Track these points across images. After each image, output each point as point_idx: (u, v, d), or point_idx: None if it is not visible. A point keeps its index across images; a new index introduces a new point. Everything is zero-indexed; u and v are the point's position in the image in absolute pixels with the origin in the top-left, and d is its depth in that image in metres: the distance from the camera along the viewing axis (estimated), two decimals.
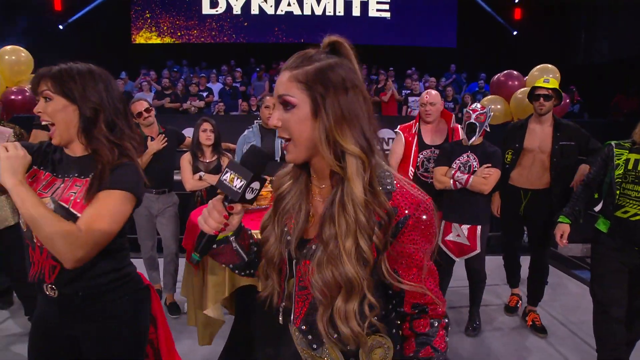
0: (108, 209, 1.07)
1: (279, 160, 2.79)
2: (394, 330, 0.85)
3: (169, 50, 11.25)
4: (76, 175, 1.13)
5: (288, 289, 0.87)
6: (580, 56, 11.64)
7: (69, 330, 1.19)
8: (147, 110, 2.79)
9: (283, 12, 11.28)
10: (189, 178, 2.78)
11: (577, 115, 8.88)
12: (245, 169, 0.80)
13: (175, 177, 3.12)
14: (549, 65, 3.41)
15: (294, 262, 0.84)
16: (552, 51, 10.86)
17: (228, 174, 0.80)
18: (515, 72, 3.63)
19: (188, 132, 3.27)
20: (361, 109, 0.75)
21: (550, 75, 3.31)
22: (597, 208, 2.32)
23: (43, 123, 1.10)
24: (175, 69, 10.09)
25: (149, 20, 11.50)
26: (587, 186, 2.28)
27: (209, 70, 9.91)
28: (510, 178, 2.89)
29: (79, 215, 1.09)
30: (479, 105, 2.63)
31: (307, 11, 11.25)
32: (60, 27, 10.95)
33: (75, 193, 1.11)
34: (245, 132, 2.94)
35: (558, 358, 2.52)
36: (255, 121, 3.06)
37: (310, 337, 0.82)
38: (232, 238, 0.86)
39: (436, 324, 0.84)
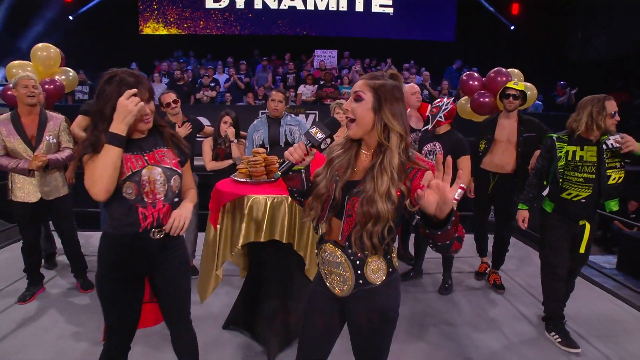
0: None
1: (282, 146, 3.29)
2: (388, 256, 1.32)
3: (176, 42, 11.60)
4: (155, 147, 1.59)
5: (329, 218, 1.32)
6: (576, 52, 11.85)
7: (151, 268, 1.63)
8: (174, 101, 3.27)
9: (286, 7, 11.60)
10: (209, 160, 3.31)
11: (569, 109, 9.26)
12: (326, 127, 1.25)
13: (196, 163, 3.61)
14: (515, 70, 3.94)
15: (346, 198, 1.26)
16: (548, 46, 11.21)
17: (314, 128, 1.25)
18: (503, 69, 4.05)
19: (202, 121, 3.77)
20: (402, 111, 1.27)
21: (517, 79, 3.83)
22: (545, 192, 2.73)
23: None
24: (182, 60, 10.51)
25: (156, 12, 11.82)
26: (537, 175, 2.71)
27: (215, 61, 10.35)
28: (482, 163, 3.39)
29: (178, 170, 1.61)
30: (438, 100, 3.14)
31: (310, 6, 11.56)
32: (70, 17, 11.31)
33: (167, 157, 1.59)
34: (255, 122, 3.41)
35: (513, 311, 3.04)
36: (260, 112, 3.51)
37: (349, 250, 1.28)
38: (303, 170, 1.31)
39: (452, 218, 1.05)
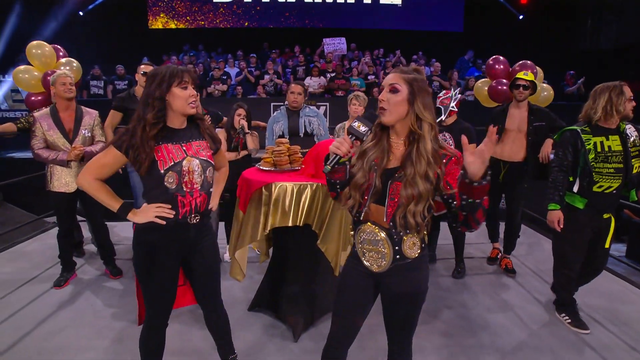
0: None
1: (302, 136, 3.41)
2: (422, 236, 1.45)
3: (185, 36, 11.69)
4: (193, 139, 1.69)
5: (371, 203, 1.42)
6: (586, 41, 11.73)
7: (188, 251, 1.76)
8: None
9: (294, 0, 11.64)
10: (225, 150, 3.44)
11: (578, 99, 9.23)
12: (368, 121, 1.35)
13: None
14: (528, 62, 3.97)
15: (388, 184, 1.37)
16: (558, 35, 11.13)
17: (357, 122, 1.34)
18: (529, 62, 4.03)
19: None
20: (432, 103, 1.38)
21: (529, 70, 3.87)
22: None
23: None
24: (191, 54, 10.62)
25: (165, 6, 11.94)
26: (563, 171, 2.56)
27: (225, 54, 10.44)
28: (494, 152, 3.48)
29: (212, 162, 1.74)
30: (444, 92, 3.22)
31: None
32: (81, 13, 11.44)
33: (202, 150, 1.71)
34: (275, 114, 3.54)
35: (525, 294, 3.16)
36: (272, 104, 3.56)
37: (393, 230, 1.39)
38: (347, 162, 1.42)
39: (479, 201, 1.24)
